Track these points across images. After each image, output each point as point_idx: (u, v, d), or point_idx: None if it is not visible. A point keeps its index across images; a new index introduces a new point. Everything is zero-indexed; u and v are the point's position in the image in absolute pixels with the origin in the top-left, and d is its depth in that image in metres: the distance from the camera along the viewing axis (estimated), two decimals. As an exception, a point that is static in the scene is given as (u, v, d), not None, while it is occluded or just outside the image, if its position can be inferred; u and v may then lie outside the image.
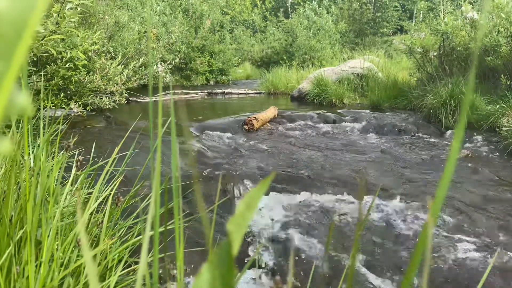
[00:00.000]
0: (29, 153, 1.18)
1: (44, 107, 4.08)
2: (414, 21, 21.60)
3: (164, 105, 6.45)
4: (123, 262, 1.23)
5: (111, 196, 1.32)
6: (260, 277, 1.85)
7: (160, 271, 1.60)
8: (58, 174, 1.40)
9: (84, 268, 1.13)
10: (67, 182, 1.41)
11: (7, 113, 0.18)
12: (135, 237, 1.38)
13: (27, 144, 1.08)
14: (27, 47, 0.16)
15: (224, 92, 10.24)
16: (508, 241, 2.26)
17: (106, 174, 1.42)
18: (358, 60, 8.72)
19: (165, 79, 8.20)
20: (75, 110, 5.03)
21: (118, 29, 7.61)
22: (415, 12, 24.56)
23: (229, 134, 4.93)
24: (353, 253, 0.35)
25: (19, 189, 1.18)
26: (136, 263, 1.38)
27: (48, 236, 1.08)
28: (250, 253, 2.11)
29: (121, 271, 1.20)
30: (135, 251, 1.46)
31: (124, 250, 1.33)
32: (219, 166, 3.50)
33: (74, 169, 1.39)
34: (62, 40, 4.57)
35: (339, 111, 6.52)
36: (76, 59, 4.85)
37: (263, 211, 2.65)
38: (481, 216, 2.58)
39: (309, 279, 1.82)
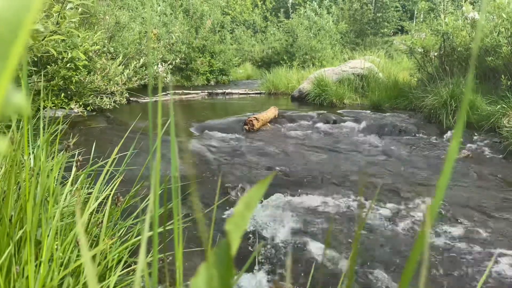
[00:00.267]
0: (29, 153, 1.18)
1: (45, 107, 4.08)
2: (414, 22, 21.60)
3: (164, 105, 6.45)
4: (122, 262, 1.23)
5: (111, 196, 1.32)
6: (259, 277, 1.84)
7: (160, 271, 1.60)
8: (58, 174, 1.40)
9: (84, 268, 1.13)
10: (67, 182, 1.42)
11: (3, 112, 0.18)
12: (135, 237, 1.38)
13: (27, 144, 1.08)
14: (23, 46, 0.16)
15: (225, 92, 10.24)
16: (508, 242, 2.26)
17: (106, 174, 1.42)
18: (359, 61, 8.71)
19: (165, 79, 8.21)
20: (75, 110, 5.03)
21: (118, 29, 7.62)
22: (415, 12, 24.56)
23: (229, 134, 4.93)
24: (352, 256, 0.35)
25: (19, 189, 1.18)
26: (136, 263, 1.38)
27: (48, 236, 1.08)
28: (249, 253, 2.11)
29: (120, 271, 1.20)
30: (135, 251, 1.46)
31: (124, 250, 1.33)
32: (219, 166, 3.50)
33: (74, 169, 1.39)
34: (63, 40, 4.58)
35: (339, 111, 6.52)
36: (77, 59, 4.85)
37: (262, 210, 2.65)
38: (481, 217, 2.58)
39: (309, 279, 1.82)
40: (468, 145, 4.50)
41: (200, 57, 12.50)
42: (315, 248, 2.16)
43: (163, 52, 9.58)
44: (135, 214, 1.53)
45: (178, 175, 0.41)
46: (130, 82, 6.22)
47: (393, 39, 19.75)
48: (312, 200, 2.87)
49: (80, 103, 5.37)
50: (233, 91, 10.39)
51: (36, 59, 4.45)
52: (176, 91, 9.47)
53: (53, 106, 5.09)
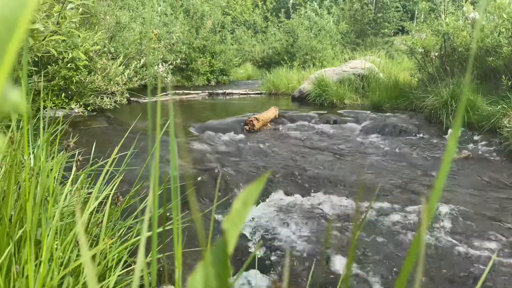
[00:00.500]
0: (29, 153, 1.19)
1: (45, 107, 4.09)
2: (415, 22, 21.58)
3: (164, 105, 6.45)
4: (122, 261, 1.23)
5: (110, 196, 1.32)
6: (258, 277, 1.84)
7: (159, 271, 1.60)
8: (58, 174, 1.40)
9: (83, 267, 1.13)
10: (67, 182, 1.42)
11: (1, 110, 0.18)
12: (135, 237, 1.38)
13: (27, 144, 1.08)
14: (19, 44, 0.16)
15: (225, 92, 10.24)
16: (508, 242, 2.26)
17: (106, 174, 1.42)
18: (359, 61, 8.71)
19: (166, 79, 8.21)
20: (76, 110, 5.04)
21: (119, 29, 7.62)
22: (416, 12, 24.54)
23: (230, 135, 4.93)
24: (349, 262, 0.35)
25: (19, 189, 1.19)
26: (136, 263, 1.38)
27: (47, 235, 1.09)
28: (249, 253, 2.11)
29: (120, 271, 1.21)
30: (135, 251, 1.46)
31: (124, 250, 1.33)
32: (219, 166, 3.50)
33: (74, 169, 1.39)
34: (63, 40, 4.58)
35: (340, 111, 6.52)
36: (77, 59, 4.85)
37: (262, 210, 2.65)
38: (481, 217, 2.57)
39: (308, 279, 1.82)
40: (469, 145, 4.50)
41: (200, 57, 12.51)
42: (315, 248, 2.16)
43: (164, 52, 9.58)
44: (135, 214, 1.53)
45: (177, 175, 0.41)
46: (130, 82, 6.23)
47: (393, 39, 19.73)
48: (312, 200, 2.87)
49: (81, 103, 5.37)
50: (234, 91, 10.40)
51: (36, 59, 4.45)
52: (177, 91, 9.47)
53: (53, 106, 5.10)
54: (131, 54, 7.46)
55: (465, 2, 6.51)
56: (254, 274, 1.87)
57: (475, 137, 4.68)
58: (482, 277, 0.64)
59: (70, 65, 4.99)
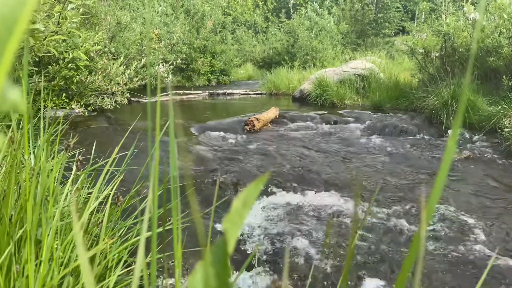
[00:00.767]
0: (29, 152, 1.19)
1: (45, 107, 4.09)
2: (416, 22, 21.57)
3: (165, 105, 6.45)
4: (122, 261, 1.23)
5: (111, 196, 1.32)
6: (258, 277, 1.84)
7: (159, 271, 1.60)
8: (58, 174, 1.40)
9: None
10: (67, 182, 1.42)
11: (0, 108, 0.18)
12: (135, 237, 1.38)
13: (27, 143, 1.08)
14: (18, 43, 0.16)
15: (226, 92, 10.24)
16: (508, 243, 2.26)
17: (106, 174, 1.42)
18: (360, 61, 8.71)
19: (166, 79, 8.21)
20: (76, 110, 5.04)
21: (120, 29, 7.63)
22: (417, 13, 24.53)
23: (230, 135, 4.93)
24: (348, 262, 0.35)
25: (19, 189, 1.19)
26: (136, 262, 1.38)
27: (48, 235, 1.09)
28: (249, 253, 2.11)
29: (120, 271, 1.21)
30: (135, 251, 1.46)
31: (124, 250, 1.33)
32: (219, 166, 3.50)
33: (74, 169, 1.40)
34: (64, 40, 4.58)
35: (340, 112, 6.52)
36: (78, 59, 4.86)
37: (262, 211, 2.65)
38: (481, 218, 2.57)
39: (308, 279, 1.82)
40: (469, 145, 4.50)
41: (201, 58, 12.51)
42: (315, 248, 2.16)
43: (164, 53, 9.59)
44: (135, 214, 1.53)
45: (177, 175, 0.41)
46: (131, 83, 6.23)
47: (394, 40, 19.74)
48: (312, 200, 2.87)
49: (81, 103, 5.38)
50: (234, 91, 10.40)
51: (37, 59, 4.46)
52: (177, 92, 9.47)
53: (54, 106, 5.10)
54: (132, 54, 7.47)
55: (466, 3, 6.51)
56: (254, 274, 1.87)
57: (476, 138, 4.67)
58: (482, 277, 0.64)
59: (71, 65, 4.99)
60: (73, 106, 4.98)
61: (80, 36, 4.61)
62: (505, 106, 4.63)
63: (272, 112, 5.78)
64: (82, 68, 5.25)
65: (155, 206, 0.37)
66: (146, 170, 1.42)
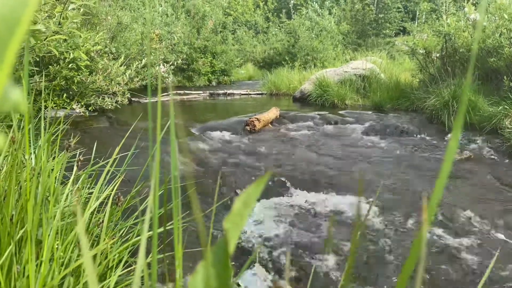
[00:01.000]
0: (30, 152, 1.19)
1: (46, 107, 4.09)
2: (416, 22, 21.56)
3: (165, 106, 6.46)
4: (123, 262, 1.23)
5: (111, 196, 1.32)
6: (258, 277, 1.84)
7: (159, 271, 1.60)
8: (59, 174, 1.40)
9: (84, 267, 1.13)
10: (68, 182, 1.42)
11: (1, 109, 0.18)
12: (136, 237, 1.38)
13: (28, 143, 1.08)
14: (20, 43, 0.16)
15: (226, 93, 10.24)
16: (508, 244, 2.26)
17: (107, 174, 1.42)
18: (361, 61, 8.71)
19: (167, 80, 8.21)
20: (77, 111, 5.04)
21: (120, 29, 7.63)
22: (417, 13, 24.52)
23: (231, 135, 4.93)
24: (350, 262, 0.35)
25: (20, 189, 1.19)
26: (137, 263, 1.37)
27: (48, 235, 1.09)
28: (249, 253, 2.11)
29: (121, 271, 1.21)
30: (136, 251, 1.46)
31: (125, 250, 1.33)
32: (220, 166, 3.50)
33: (75, 169, 1.40)
34: (65, 40, 4.59)
35: (341, 112, 6.52)
36: (79, 59, 4.86)
37: (263, 211, 2.65)
38: (482, 218, 2.57)
39: (309, 279, 1.82)
40: (470, 146, 4.49)
41: (201, 58, 12.51)
42: (315, 249, 2.16)
43: (165, 53, 9.59)
44: (136, 214, 1.53)
45: (178, 175, 0.41)
46: (131, 83, 6.23)
47: (395, 40, 19.73)
48: (313, 200, 2.87)
49: (82, 103, 5.38)
50: (235, 91, 10.39)
51: (38, 59, 4.46)
52: (178, 92, 9.48)
53: (54, 106, 5.10)
54: (133, 55, 7.47)
55: (467, 3, 6.51)
56: (254, 274, 1.87)
57: (477, 138, 4.67)
58: (483, 278, 0.64)
59: (72, 65, 5.00)
60: (74, 106, 4.98)
61: (81, 36, 4.62)
62: (506, 106, 4.62)
63: (273, 113, 5.78)
64: (83, 68, 5.25)
65: (156, 206, 0.37)
66: (146, 170, 1.42)
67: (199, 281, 0.27)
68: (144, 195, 1.58)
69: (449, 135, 5.06)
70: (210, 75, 12.83)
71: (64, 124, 1.66)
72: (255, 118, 5.27)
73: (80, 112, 5.08)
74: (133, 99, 7.22)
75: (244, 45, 18.89)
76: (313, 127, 5.59)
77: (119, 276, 1.23)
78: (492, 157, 4.09)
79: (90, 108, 5.57)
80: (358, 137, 5.09)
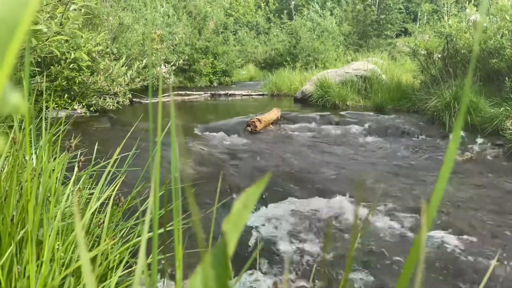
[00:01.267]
0: (31, 153, 1.19)
1: (47, 108, 4.10)
2: (418, 24, 21.55)
3: (166, 106, 6.46)
4: (124, 262, 1.23)
5: (112, 197, 1.32)
6: (259, 279, 1.84)
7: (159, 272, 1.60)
8: (60, 174, 1.41)
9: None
10: (69, 183, 1.42)
11: (1, 110, 0.18)
12: (136, 238, 1.38)
13: (29, 144, 1.08)
14: (20, 44, 0.16)
15: (228, 93, 10.24)
16: (509, 244, 2.25)
17: (108, 174, 1.42)
18: (362, 62, 8.70)
19: (168, 80, 8.22)
20: (78, 111, 5.05)
21: (122, 30, 7.64)
22: (419, 14, 24.51)
23: (232, 135, 4.93)
24: (349, 263, 0.35)
25: (21, 189, 1.19)
26: (137, 263, 1.37)
27: (49, 236, 1.09)
28: (250, 254, 2.11)
29: (122, 272, 1.21)
30: (137, 252, 1.46)
31: (125, 250, 1.33)
32: (221, 167, 3.50)
33: (76, 169, 1.40)
34: (66, 41, 4.60)
35: (342, 113, 6.51)
36: (80, 60, 4.87)
37: (263, 212, 2.65)
38: (482, 219, 2.56)
39: (309, 280, 1.82)
40: (471, 147, 4.48)
41: (203, 58, 12.51)
42: (315, 250, 2.15)
43: (166, 53, 9.60)
44: (136, 214, 1.53)
45: (178, 176, 0.41)
46: (133, 83, 6.24)
47: (396, 41, 19.71)
48: (313, 201, 2.86)
49: (83, 103, 5.39)
50: (236, 92, 10.39)
51: (39, 60, 4.47)
52: (179, 92, 9.48)
53: (56, 107, 5.11)
54: (134, 55, 7.48)
55: (468, 4, 6.50)
56: (254, 276, 1.87)
57: (478, 139, 4.66)
58: (484, 279, 0.64)
59: (73, 66, 5.00)
60: (75, 107, 4.99)
61: (82, 37, 4.63)
62: (507, 107, 4.62)
63: (274, 113, 5.78)
64: (84, 68, 5.26)
65: (156, 207, 0.37)
66: (147, 171, 1.42)
67: (199, 282, 0.27)
68: (145, 196, 1.58)
69: (450, 136, 5.04)
70: (212, 76, 12.83)
71: (65, 125, 1.66)
72: (256, 118, 5.27)
73: (82, 113, 5.09)
74: (134, 99, 7.22)
75: (246, 45, 18.89)
76: (314, 128, 5.59)
77: (120, 276, 1.23)
78: (493, 158, 4.08)
79: (91, 109, 5.58)
80: (360, 138, 5.09)
